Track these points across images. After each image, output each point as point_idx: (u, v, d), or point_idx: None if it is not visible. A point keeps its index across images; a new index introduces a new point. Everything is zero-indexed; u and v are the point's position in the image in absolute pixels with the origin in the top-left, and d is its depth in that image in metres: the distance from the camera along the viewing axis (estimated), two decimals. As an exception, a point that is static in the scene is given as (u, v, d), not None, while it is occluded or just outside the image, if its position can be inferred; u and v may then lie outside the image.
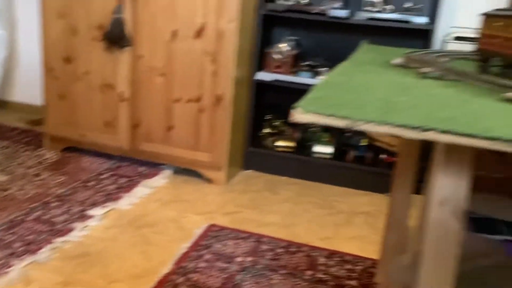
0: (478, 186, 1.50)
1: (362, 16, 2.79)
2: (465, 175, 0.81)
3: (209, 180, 2.85)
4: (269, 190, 2.85)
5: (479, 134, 0.58)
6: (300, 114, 0.61)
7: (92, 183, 2.70)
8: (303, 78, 2.89)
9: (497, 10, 1.15)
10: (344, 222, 2.51)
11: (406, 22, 2.76)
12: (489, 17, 1.15)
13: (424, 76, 0.98)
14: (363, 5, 2.83)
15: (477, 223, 1.61)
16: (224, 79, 2.68)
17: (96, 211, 2.38)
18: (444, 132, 0.58)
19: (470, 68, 1.20)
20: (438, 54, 1.46)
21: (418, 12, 2.80)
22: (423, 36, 2.75)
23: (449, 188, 0.83)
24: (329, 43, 3.12)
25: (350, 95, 0.71)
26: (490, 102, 0.76)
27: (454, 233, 0.84)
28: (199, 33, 2.67)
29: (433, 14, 2.73)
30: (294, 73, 2.96)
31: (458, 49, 2.62)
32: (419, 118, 0.61)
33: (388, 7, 2.81)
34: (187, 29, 2.68)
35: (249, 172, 3.08)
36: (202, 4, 2.63)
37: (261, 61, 2.99)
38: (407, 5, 2.82)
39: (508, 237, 1.56)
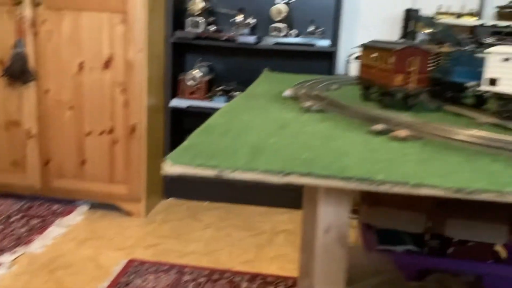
0: (381, 201, 1.59)
1: (269, 41, 2.89)
2: (346, 204, 0.86)
3: (128, 213, 2.78)
4: (191, 217, 2.83)
5: (334, 175, 0.62)
6: (169, 167, 0.63)
7: (0, 227, 2.54)
8: (218, 103, 2.92)
9: (373, 41, 1.25)
10: (265, 243, 2.55)
11: (311, 45, 2.89)
12: (366, 48, 1.24)
13: (307, 110, 1.04)
14: (270, 30, 2.93)
15: (381, 235, 1.70)
16: (136, 109, 2.65)
17: (5, 258, 2.23)
18: (304, 175, 0.62)
19: (354, 96, 1.29)
20: (328, 82, 1.55)
21: (322, 36, 2.95)
22: (327, 57, 2.89)
23: (332, 217, 0.88)
24: (241, 67, 3.19)
25: (225, 141, 0.74)
26: (358, 136, 0.82)
27: (340, 258, 0.89)
28: (107, 64, 2.62)
29: (335, 37, 2.89)
30: (209, 98, 2.99)
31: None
32: (282, 162, 0.65)
33: (293, 31, 2.94)
34: (94, 60, 2.63)
35: (170, 200, 3.05)
36: (108, 35, 2.59)
37: (175, 88, 2.99)
38: (310, 29, 2.96)
39: (411, 247, 1.66)
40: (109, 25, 2.59)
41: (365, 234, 1.62)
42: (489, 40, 2.57)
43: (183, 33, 2.89)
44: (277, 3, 2.94)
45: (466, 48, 1.11)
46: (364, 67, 1.25)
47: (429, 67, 1.09)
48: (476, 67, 1.04)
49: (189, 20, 2.91)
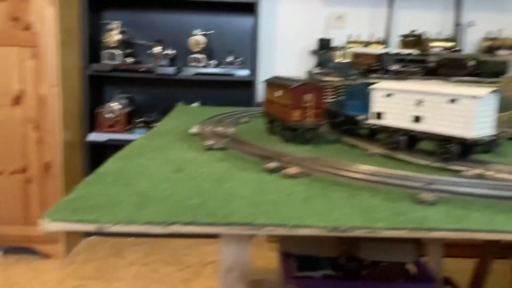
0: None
1: (188, 71, 2.90)
2: (247, 243, 0.87)
3: (45, 255, 2.62)
4: (114, 254, 2.72)
5: (218, 222, 0.63)
6: (47, 224, 0.61)
7: None
8: (138, 135, 2.86)
9: (275, 78, 1.30)
10: (193, 277, 2.50)
11: (230, 75, 2.94)
12: (268, 84, 1.29)
13: (208, 148, 1.05)
14: (189, 61, 2.94)
15: (301, 262, 1.73)
16: (50, 146, 2.54)
17: None
18: (186, 224, 0.62)
19: (261, 130, 1.32)
20: (240, 115, 1.58)
21: (241, 66, 3.01)
22: (247, 86, 2.95)
23: (233, 257, 0.88)
24: (162, 97, 3.17)
25: (112, 190, 0.73)
26: (252, 176, 0.84)
27: (243, 296, 0.89)
28: (17, 100, 2.50)
29: (253, 67, 2.96)
30: (129, 130, 2.93)
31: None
32: (167, 211, 0.65)
33: (212, 62, 2.98)
34: (3, 96, 2.50)
35: (92, 238, 2.92)
36: (18, 71, 2.48)
37: (93, 121, 2.90)
38: (229, 59, 3.01)
39: (328, 272, 1.70)
40: (18, 60, 2.48)
41: (284, 263, 1.64)
42: (394, 67, 2.76)
43: (99, 66, 2.83)
44: (195, 34, 2.97)
45: (358, 82, 1.18)
46: (267, 102, 1.29)
47: (324, 102, 1.15)
48: (367, 101, 1.10)
49: (105, 52, 2.86)
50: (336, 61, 2.91)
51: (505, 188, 0.74)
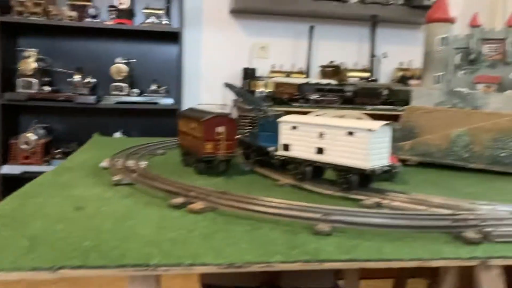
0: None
1: (110, 100, 2.84)
2: (153, 283, 0.85)
3: None
4: (29, 295, 2.54)
5: (110, 264, 0.61)
6: None
7: None
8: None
9: (189, 109, 1.30)
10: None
11: (154, 103, 2.91)
12: (182, 116, 1.29)
13: (116, 183, 1.02)
14: (111, 89, 2.88)
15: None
16: (-44, 181, 2.35)
17: None
18: (76, 268, 0.60)
19: (176, 162, 1.31)
20: (157, 146, 1.56)
21: (165, 94, 2.99)
22: (172, 115, 2.93)
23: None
24: (82, 127, 3.06)
25: (2, 234, 0.69)
26: (156, 212, 0.83)
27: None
28: None
29: (178, 95, 2.95)
30: (47, 162, 2.79)
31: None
32: (57, 255, 0.62)
33: (135, 90, 2.93)
34: None
35: None
36: None
37: (6, 153, 2.74)
38: (153, 87, 2.99)
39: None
40: None
41: (207, 294, 1.62)
42: (314, 96, 2.87)
43: (13, 95, 2.70)
44: (117, 62, 2.92)
45: (269, 115, 1.21)
46: (182, 133, 1.29)
47: (237, 133, 1.17)
48: (277, 133, 1.13)
49: (20, 81, 2.73)
50: (259, 91, 2.98)
51: (396, 217, 0.78)
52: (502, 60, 1.54)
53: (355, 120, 1.16)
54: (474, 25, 1.57)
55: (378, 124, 0.93)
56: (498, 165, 1.34)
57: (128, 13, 2.95)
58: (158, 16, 3.00)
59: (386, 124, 0.95)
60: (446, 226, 0.76)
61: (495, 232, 0.74)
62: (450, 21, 1.57)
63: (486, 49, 1.56)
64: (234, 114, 2.87)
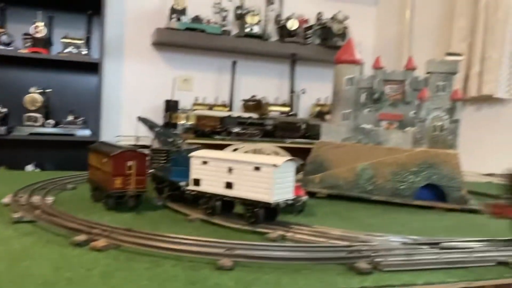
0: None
1: (23, 131, 2.70)
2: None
3: None
4: None
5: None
6: None
7: None
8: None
9: (100, 144, 1.28)
10: None
11: (71, 135, 2.81)
12: (92, 150, 1.26)
13: (17, 221, 0.97)
14: (24, 120, 2.75)
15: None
16: None
17: None
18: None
19: (86, 197, 1.27)
20: (67, 180, 1.50)
21: (82, 125, 2.90)
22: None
23: None
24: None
25: None
26: (55, 251, 0.80)
27: None
28: None
29: (96, 127, 2.87)
30: None
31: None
32: None
33: (50, 121, 2.82)
34: None
35: None
36: None
37: None
38: (70, 118, 2.89)
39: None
40: None
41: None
42: (236, 129, 2.93)
43: None
44: (32, 92, 2.80)
45: (181, 149, 1.22)
46: (92, 168, 1.26)
47: (147, 168, 1.16)
48: (189, 167, 1.14)
49: None
50: (181, 123, 2.98)
51: (296, 250, 0.82)
52: (402, 99, 1.68)
53: (262, 155, 1.20)
54: (377, 67, 1.70)
55: (282, 159, 0.97)
56: (398, 197, 1.44)
57: (45, 42, 2.86)
58: (77, 46, 2.93)
59: (290, 160, 1.00)
60: (341, 257, 0.81)
61: (384, 262, 0.79)
62: (356, 63, 1.70)
63: (388, 89, 1.70)
64: (155, 146, 2.84)
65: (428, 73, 1.64)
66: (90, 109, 3.00)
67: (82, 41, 2.99)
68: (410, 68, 1.67)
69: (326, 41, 3.52)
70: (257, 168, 0.97)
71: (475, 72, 2.90)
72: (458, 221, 1.26)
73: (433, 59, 1.64)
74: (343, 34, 3.51)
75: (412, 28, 3.66)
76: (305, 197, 1.18)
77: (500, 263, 0.86)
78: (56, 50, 2.96)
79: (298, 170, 1.75)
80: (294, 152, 1.90)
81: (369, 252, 0.82)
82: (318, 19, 3.70)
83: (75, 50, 2.91)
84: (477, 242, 0.95)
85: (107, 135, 3.02)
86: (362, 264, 0.78)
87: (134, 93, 3.36)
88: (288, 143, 2.94)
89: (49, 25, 2.92)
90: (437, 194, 1.45)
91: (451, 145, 1.53)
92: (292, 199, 1.01)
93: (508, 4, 2.74)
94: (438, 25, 3.39)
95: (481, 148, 2.97)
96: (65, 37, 2.95)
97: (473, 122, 3.04)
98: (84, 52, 2.95)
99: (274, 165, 0.95)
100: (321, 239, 0.92)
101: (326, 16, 3.64)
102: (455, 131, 1.54)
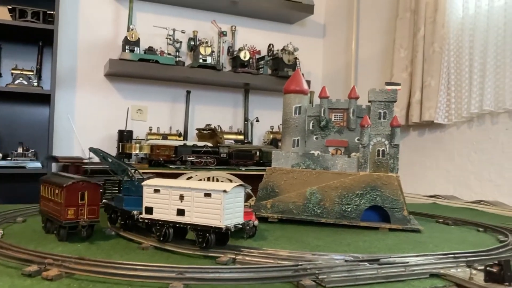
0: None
1: (-32, 164, 2.62)
2: None
3: None
4: None
5: None
6: None
7: None
8: None
9: (52, 174, 1.29)
10: None
11: (21, 167, 2.75)
12: (44, 182, 1.27)
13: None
14: (-31, 153, 2.67)
15: None
16: None
17: None
18: None
19: (37, 229, 1.26)
20: (17, 213, 1.49)
21: (33, 158, 2.84)
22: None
23: None
24: None
25: None
26: (6, 282, 0.80)
27: None
28: None
29: (47, 159, 2.82)
30: None
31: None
32: None
33: (-1, 154, 2.75)
34: None
35: None
36: None
37: None
38: (19, 150, 2.83)
39: None
40: None
41: None
42: (190, 158, 2.95)
43: None
44: (-21, 124, 2.73)
45: (133, 178, 1.25)
46: (44, 199, 1.26)
47: (99, 199, 1.18)
48: (142, 196, 1.17)
49: None
50: (135, 153, 2.98)
51: (245, 271, 0.86)
52: (347, 126, 1.78)
53: (213, 182, 1.25)
54: (323, 96, 1.80)
55: (231, 185, 1.02)
56: (345, 219, 1.52)
57: (-7, 73, 2.81)
58: (27, 77, 2.90)
59: (239, 186, 1.05)
60: (287, 276, 0.85)
61: (327, 278, 0.85)
62: (304, 92, 1.79)
63: (333, 117, 1.80)
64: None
65: (369, 101, 1.76)
66: (41, 141, 2.95)
67: (32, 72, 2.96)
68: (353, 97, 1.78)
69: (277, 71, 3.64)
70: (207, 195, 1.02)
71: (416, 99, 3.08)
72: (399, 240, 1.35)
73: (374, 89, 1.76)
74: (293, 65, 3.65)
75: (357, 59, 3.86)
76: (255, 222, 1.23)
77: (433, 275, 0.94)
78: (5, 82, 2.91)
79: (249, 196, 1.80)
80: (249, 179, 1.96)
81: (313, 270, 0.88)
82: (270, 50, 3.83)
83: (25, 81, 2.88)
84: (413, 257, 1.03)
85: (60, 167, 2.97)
86: (307, 282, 0.83)
87: (87, 124, 3.34)
88: (243, 170, 2.99)
89: (-3, 56, 2.88)
90: (381, 215, 1.54)
91: (393, 169, 1.63)
92: (242, 223, 1.06)
93: (443, 36, 2.96)
94: (381, 56, 3.59)
95: (424, 171, 3.14)
96: (14, 68, 2.91)
97: (416, 147, 3.21)
98: (35, 83, 2.92)
99: (224, 191, 1.00)
100: (269, 260, 0.96)
101: (277, 47, 3.78)
102: (396, 155, 1.64)
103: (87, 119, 3.35)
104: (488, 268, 0.88)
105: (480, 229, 1.57)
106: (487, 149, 2.73)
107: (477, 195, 2.73)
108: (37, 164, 2.79)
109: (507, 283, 0.85)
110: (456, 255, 1.04)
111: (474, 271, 0.93)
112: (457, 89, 2.89)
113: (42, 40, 3.06)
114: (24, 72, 2.92)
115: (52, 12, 2.96)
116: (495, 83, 2.64)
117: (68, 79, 3.30)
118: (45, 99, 2.89)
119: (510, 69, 2.56)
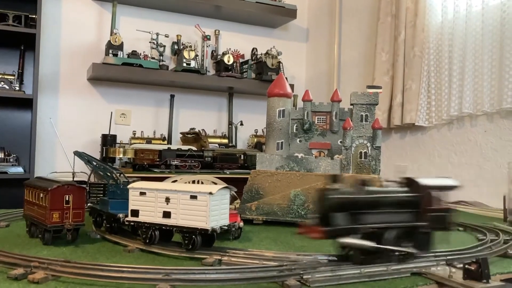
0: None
1: None
2: None
3: None
4: None
5: None
6: None
7: None
8: None
9: (36, 179, 1.28)
10: None
11: (3, 173, 2.71)
12: (28, 186, 1.26)
13: None
14: (-51, 158, 2.62)
15: None
16: None
17: None
18: None
19: (21, 234, 1.26)
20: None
21: (14, 163, 2.81)
22: (22, 184, 2.74)
23: None
24: None
25: None
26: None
27: None
28: None
29: (30, 164, 2.79)
30: None
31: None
32: None
33: (-20, 159, 2.72)
34: None
35: None
36: None
37: None
38: (1, 156, 2.79)
39: None
40: None
41: None
42: (175, 162, 2.95)
43: None
44: (-41, 130, 2.69)
45: (119, 182, 1.25)
46: (28, 204, 1.26)
47: (84, 202, 1.18)
48: (127, 200, 1.18)
49: None
50: (118, 157, 2.97)
51: (231, 272, 0.87)
52: (329, 129, 1.81)
53: (199, 185, 1.26)
54: (306, 99, 1.83)
55: (217, 187, 1.04)
56: (329, 220, 1.54)
57: (-26, 78, 2.77)
58: (9, 82, 2.87)
59: (225, 188, 1.06)
60: (272, 276, 0.87)
61: (312, 278, 0.87)
62: (287, 96, 1.81)
63: (316, 120, 1.82)
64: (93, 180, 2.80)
65: (352, 104, 1.79)
66: (23, 146, 2.92)
67: (14, 77, 2.92)
68: (335, 100, 1.81)
69: (261, 75, 3.66)
70: (193, 197, 1.03)
71: (397, 102, 3.13)
72: (382, 240, 1.37)
73: (356, 92, 1.79)
74: (277, 69, 3.68)
75: (340, 63, 3.90)
76: (241, 223, 1.24)
77: (414, 274, 0.97)
78: (-14, 86, 2.87)
79: (234, 198, 1.82)
80: (234, 182, 1.97)
81: (298, 270, 0.90)
82: (253, 54, 3.85)
83: (6, 86, 2.84)
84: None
85: (42, 171, 2.94)
86: (292, 281, 0.85)
87: (70, 129, 3.31)
88: (228, 173, 3.00)
89: (-22, 60, 2.85)
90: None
91: (375, 170, 1.66)
92: (228, 225, 1.07)
93: (423, 40, 3.02)
94: (363, 59, 3.64)
95: (406, 173, 3.19)
96: (-5, 73, 2.88)
97: (398, 149, 3.26)
98: (17, 87, 2.89)
99: (210, 193, 1.01)
100: (254, 261, 0.98)
101: (261, 51, 3.80)
102: (378, 157, 1.67)
103: (70, 123, 3.32)
104: (466, 266, 0.91)
105: (460, 228, 1.61)
106: (467, 150, 2.79)
107: (457, 195, 2.79)
108: (19, 169, 2.76)
109: (484, 280, 0.88)
110: (436, 254, 1.07)
111: (453, 269, 0.96)
112: (437, 92, 2.94)
113: (24, 44, 3.03)
114: (6, 76, 2.89)
115: (34, 16, 2.93)
116: (473, 86, 2.70)
117: (51, 83, 3.27)
118: (27, 103, 2.86)
119: (488, 73, 2.63)
